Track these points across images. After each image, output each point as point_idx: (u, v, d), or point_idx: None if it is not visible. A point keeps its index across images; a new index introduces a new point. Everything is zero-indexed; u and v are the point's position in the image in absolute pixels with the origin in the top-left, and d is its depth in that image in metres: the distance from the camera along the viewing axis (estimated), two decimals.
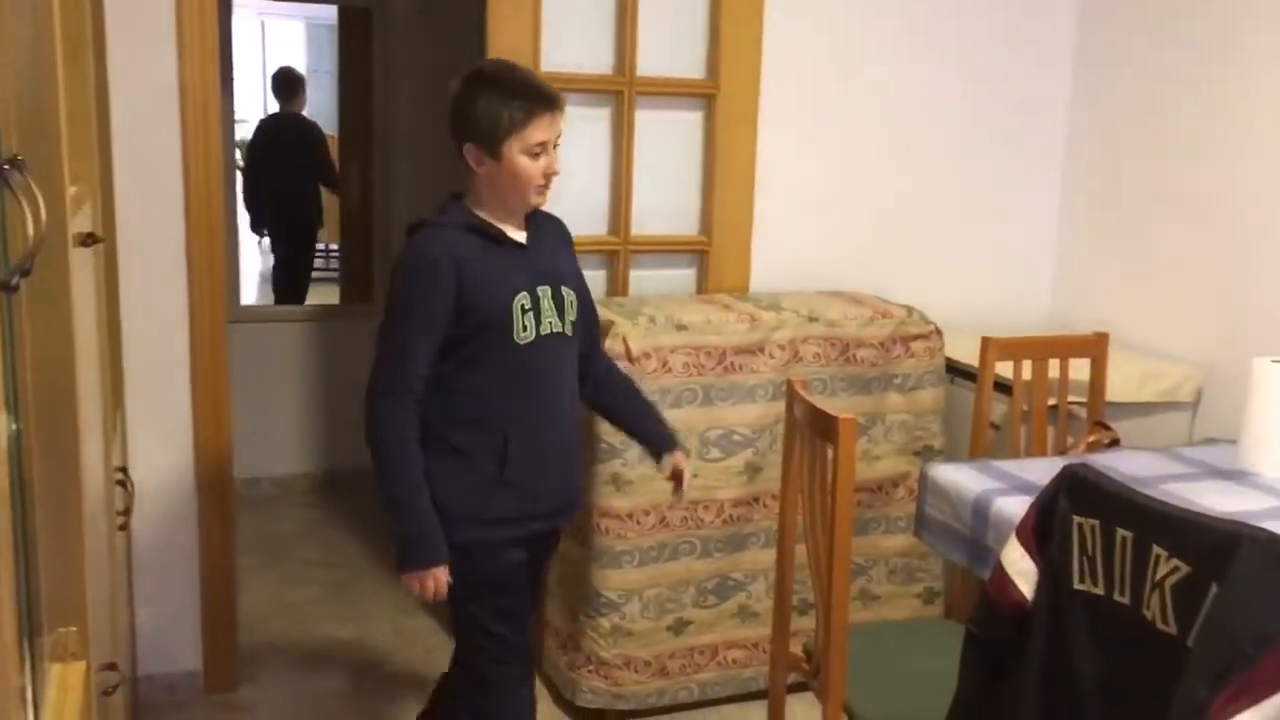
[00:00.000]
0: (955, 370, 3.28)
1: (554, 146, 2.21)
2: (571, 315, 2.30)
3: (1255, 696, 1.42)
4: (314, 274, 6.22)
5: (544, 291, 2.25)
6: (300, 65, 9.36)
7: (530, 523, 2.30)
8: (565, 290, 2.30)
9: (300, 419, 4.77)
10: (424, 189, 4.73)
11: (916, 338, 3.17)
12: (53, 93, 1.31)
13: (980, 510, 2.31)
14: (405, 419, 2.18)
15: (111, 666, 1.81)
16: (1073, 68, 3.71)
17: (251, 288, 7.65)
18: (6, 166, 1.02)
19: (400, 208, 4.77)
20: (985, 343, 2.98)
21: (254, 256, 8.33)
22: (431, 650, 3.42)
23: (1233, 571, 1.47)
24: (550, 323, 2.25)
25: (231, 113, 4.93)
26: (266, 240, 7.87)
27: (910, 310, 3.20)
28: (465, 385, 2.20)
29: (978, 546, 2.32)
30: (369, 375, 2.24)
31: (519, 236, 2.28)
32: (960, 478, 2.42)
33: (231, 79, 4.83)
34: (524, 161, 2.17)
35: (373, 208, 4.89)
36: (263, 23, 9.19)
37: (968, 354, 3.16)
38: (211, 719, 3.03)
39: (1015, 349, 3.00)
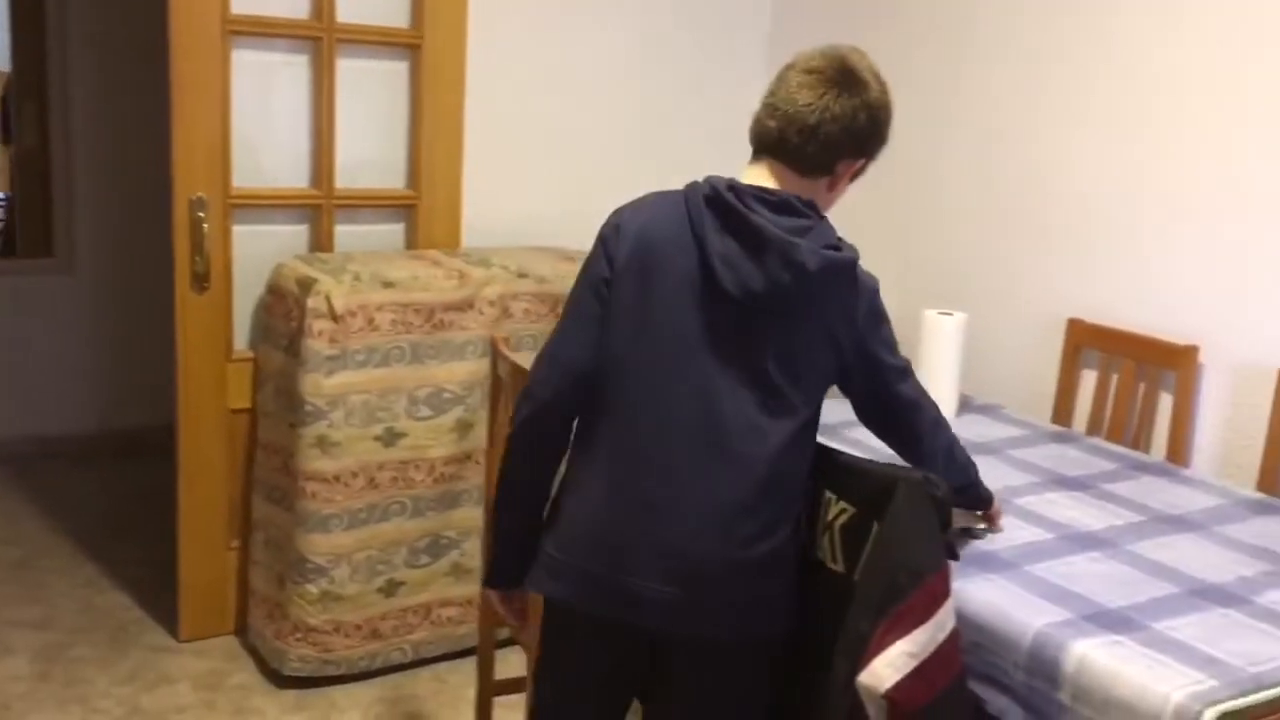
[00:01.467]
0: None
1: None
2: None
3: (908, 626, 1.55)
4: None
5: None
6: None
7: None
8: None
9: None
10: (106, 133, 4.39)
11: None
12: None
13: None
14: None
15: None
16: (770, 31, 3.86)
17: None
18: None
19: (84, 152, 4.40)
20: None
21: None
22: (124, 626, 3.22)
23: (890, 512, 1.59)
24: None
25: None
26: None
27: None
28: None
29: None
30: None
31: None
32: None
33: None
34: None
35: (50, 149, 4.47)
36: None
37: None
38: None
39: None
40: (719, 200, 1.65)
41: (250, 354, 3.10)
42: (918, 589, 1.56)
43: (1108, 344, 2.91)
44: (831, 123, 1.64)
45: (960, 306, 2.91)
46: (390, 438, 2.90)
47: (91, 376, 4.49)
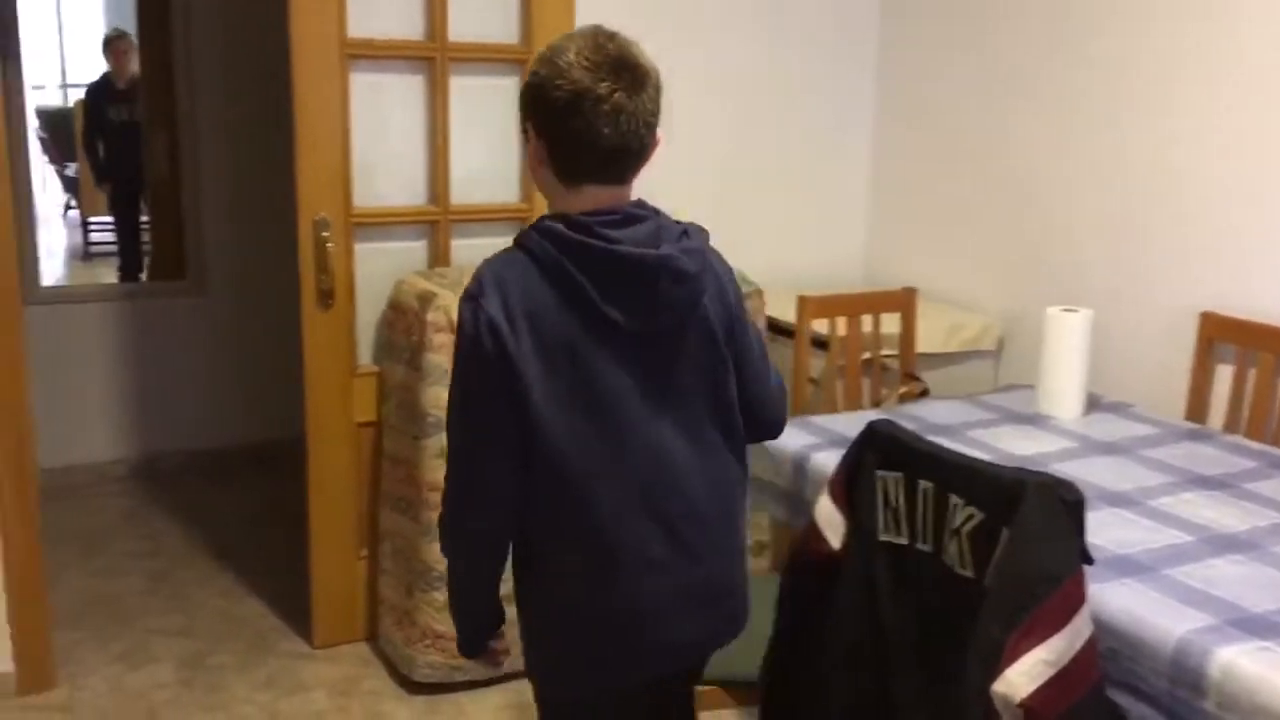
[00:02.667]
0: (774, 328, 3.36)
1: None
2: None
3: (1044, 633, 1.51)
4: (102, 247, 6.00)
5: None
6: (99, 28, 8.86)
7: None
8: None
9: (112, 403, 4.56)
10: (232, 160, 4.56)
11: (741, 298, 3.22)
12: None
13: (799, 466, 2.39)
14: None
15: None
16: (880, 27, 3.82)
17: (58, 266, 7.25)
18: None
19: (212, 177, 4.58)
20: (801, 301, 3.06)
21: (61, 234, 7.89)
22: (261, 634, 3.34)
23: (1020, 516, 1.56)
24: None
25: (20, 81, 4.62)
26: (75, 214, 7.46)
27: (731, 271, 3.25)
28: None
29: (798, 501, 2.40)
30: None
31: None
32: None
33: (18, 48, 4.52)
34: None
35: (181, 180, 4.67)
36: None
37: (786, 312, 3.24)
38: None
39: (830, 306, 3.09)
40: (573, 245, 1.53)
41: (374, 368, 3.18)
42: (1052, 594, 1.52)
43: (1244, 337, 2.80)
44: (640, 130, 1.56)
45: (1084, 303, 2.84)
46: None
47: (224, 393, 4.66)
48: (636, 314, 1.55)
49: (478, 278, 1.56)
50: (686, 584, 1.65)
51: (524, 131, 1.61)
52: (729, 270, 1.70)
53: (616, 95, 1.51)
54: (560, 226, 1.54)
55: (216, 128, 4.54)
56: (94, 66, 5.77)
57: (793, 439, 2.44)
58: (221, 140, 4.55)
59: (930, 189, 3.70)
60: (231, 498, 4.41)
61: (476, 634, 1.78)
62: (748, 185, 3.69)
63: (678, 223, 1.63)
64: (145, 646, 3.26)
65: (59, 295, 4.81)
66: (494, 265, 1.58)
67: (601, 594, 1.62)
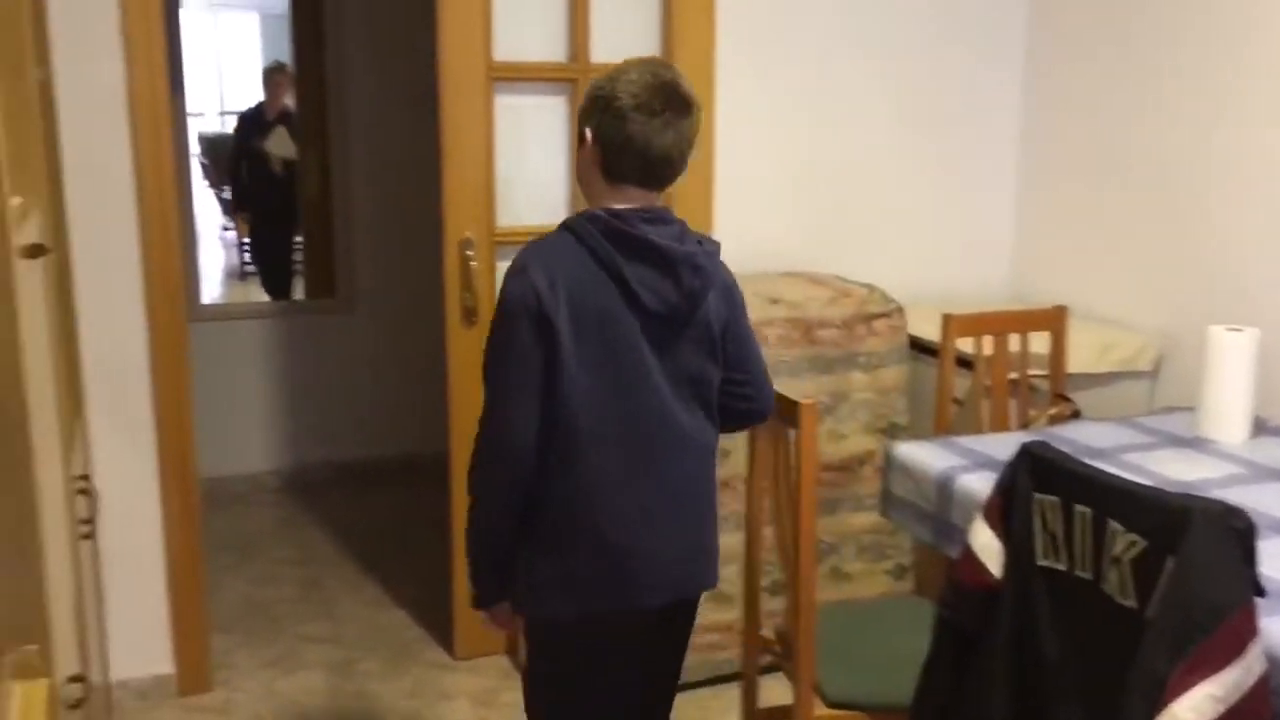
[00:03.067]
0: (918, 347, 3.30)
1: None
2: None
3: (1212, 667, 1.44)
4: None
5: None
6: (255, 57, 9.28)
7: None
8: None
9: (267, 416, 4.75)
10: (379, 184, 4.71)
11: (879, 316, 3.18)
12: None
13: (944, 487, 2.33)
14: None
15: (78, 679, 1.80)
16: (1026, 40, 3.72)
17: (215, 285, 7.60)
18: None
19: (361, 198, 4.74)
20: (947, 319, 3.00)
21: (218, 253, 8.27)
22: (405, 643, 3.42)
23: (1186, 545, 1.49)
24: None
25: (184, 109, 4.87)
26: (232, 234, 7.81)
27: (872, 289, 3.22)
28: None
29: (943, 523, 2.34)
30: None
31: None
32: (924, 455, 2.44)
33: (182, 77, 4.77)
34: None
35: (332, 199, 4.84)
36: (216, 15, 9.10)
37: (930, 331, 3.18)
38: None
39: (976, 324, 3.02)
40: (614, 231, 1.81)
41: None
42: (1220, 627, 1.45)
43: None
44: (682, 147, 1.87)
45: (1248, 321, 2.70)
46: None
47: (371, 407, 4.81)
48: (660, 296, 1.83)
49: (522, 256, 1.83)
50: (677, 535, 1.94)
51: (580, 136, 1.88)
52: (733, 278, 2.02)
53: (668, 114, 1.82)
54: (605, 215, 1.83)
55: (365, 154, 4.71)
56: (249, 95, 6.04)
57: (937, 459, 2.39)
58: (370, 165, 4.71)
59: (1081, 202, 3.58)
60: (377, 508, 4.54)
61: (489, 587, 1.99)
62: (889, 200, 3.64)
63: (696, 233, 1.93)
64: (296, 652, 3.38)
65: (217, 313, 5.04)
66: (539, 245, 1.86)
67: (601, 533, 1.88)
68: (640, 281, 1.81)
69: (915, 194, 3.67)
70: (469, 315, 3.15)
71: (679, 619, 2.09)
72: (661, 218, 1.87)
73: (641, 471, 1.89)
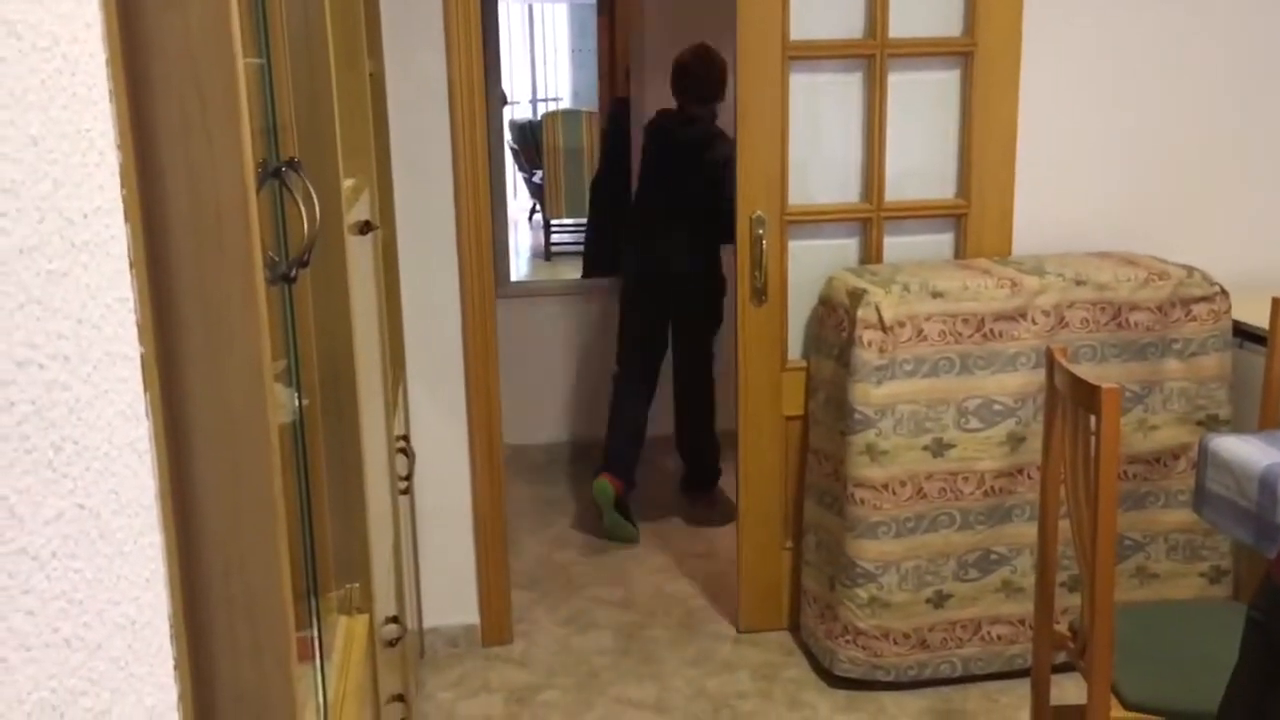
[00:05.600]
0: (1244, 334, 3.04)
1: None
2: None
3: None
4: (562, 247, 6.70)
5: None
6: (564, 45, 9.72)
7: None
8: None
9: (566, 389, 4.98)
10: None
11: (1198, 300, 2.96)
12: (327, 98, 1.44)
13: (1268, 485, 2.14)
14: None
15: (394, 620, 1.98)
16: None
17: (523, 264, 8.04)
18: (284, 168, 1.12)
19: None
20: (1276, 304, 2.74)
21: (526, 235, 8.75)
22: (691, 612, 3.51)
23: None
24: None
25: (501, 98, 5.17)
26: (539, 217, 8.23)
27: (1191, 270, 2.99)
28: None
29: (1265, 524, 2.15)
30: None
31: None
32: (1245, 450, 2.25)
33: (499, 67, 5.06)
34: None
35: (614, 185, 5.01)
36: (530, 7, 9.62)
37: (1257, 316, 2.92)
38: (488, 669, 3.24)
39: None
40: (670, 114, 3.89)
41: (803, 363, 3.24)
42: None
43: None
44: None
45: None
46: (938, 448, 2.89)
47: (663, 385, 4.94)
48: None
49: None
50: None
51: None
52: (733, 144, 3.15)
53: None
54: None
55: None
56: (560, 84, 6.36)
57: (1261, 454, 2.20)
58: None
59: None
60: (667, 481, 4.67)
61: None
62: (1214, 179, 3.36)
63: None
64: (588, 613, 3.54)
65: (525, 290, 5.33)
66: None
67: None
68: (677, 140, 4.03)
69: (1242, 169, 3.36)
70: (759, 294, 3.18)
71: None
72: (693, 118, 3.95)
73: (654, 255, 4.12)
